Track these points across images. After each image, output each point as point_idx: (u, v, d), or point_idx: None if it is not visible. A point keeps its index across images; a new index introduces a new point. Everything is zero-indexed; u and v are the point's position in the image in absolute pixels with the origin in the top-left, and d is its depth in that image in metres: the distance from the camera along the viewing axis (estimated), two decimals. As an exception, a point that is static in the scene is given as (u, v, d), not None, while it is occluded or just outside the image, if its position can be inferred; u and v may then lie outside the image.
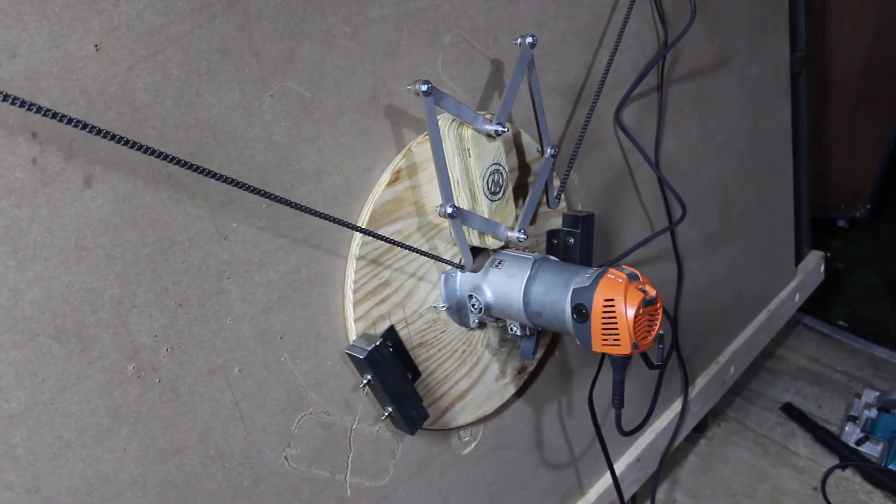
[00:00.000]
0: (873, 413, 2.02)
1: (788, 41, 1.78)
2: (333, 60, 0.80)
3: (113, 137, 0.59)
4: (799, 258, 2.18)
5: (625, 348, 0.81)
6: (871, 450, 1.95)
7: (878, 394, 2.10)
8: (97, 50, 0.63)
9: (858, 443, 1.98)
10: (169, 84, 0.68)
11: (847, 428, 2.03)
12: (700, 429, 2.09)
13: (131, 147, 0.60)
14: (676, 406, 1.69)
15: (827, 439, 2.00)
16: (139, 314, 0.70)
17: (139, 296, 0.69)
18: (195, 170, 0.65)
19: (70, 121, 0.56)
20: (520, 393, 1.20)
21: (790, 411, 2.13)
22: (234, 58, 0.72)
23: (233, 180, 0.67)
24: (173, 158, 0.63)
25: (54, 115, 0.55)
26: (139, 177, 0.67)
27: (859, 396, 2.13)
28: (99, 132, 0.58)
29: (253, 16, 0.72)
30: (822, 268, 2.27)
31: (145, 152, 0.61)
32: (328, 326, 0.86)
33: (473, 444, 1.11)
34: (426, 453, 1.03)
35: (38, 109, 0.55)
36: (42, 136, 0.61)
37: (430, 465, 1.05)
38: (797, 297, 2.15)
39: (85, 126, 0.57)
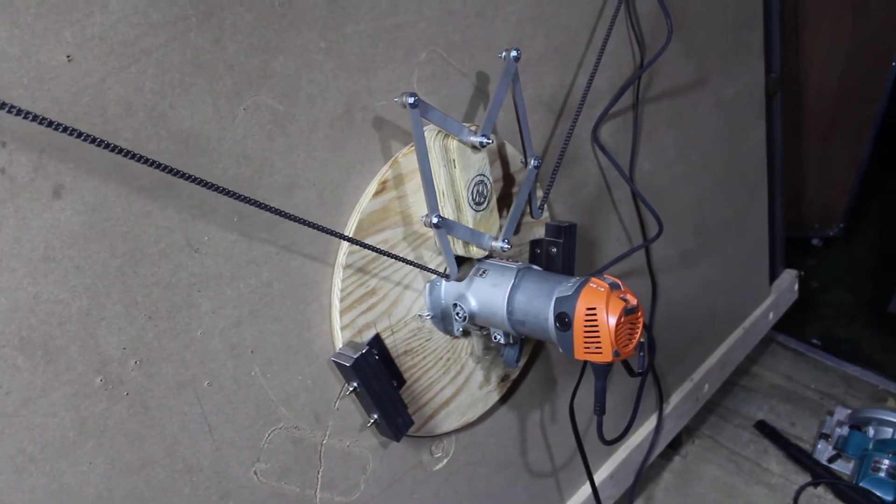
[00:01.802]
0: (845, 431, 2.04)
1: (763, 63, 1.81)
2: (308, 75, 0.80)
3: (87, 138, 0.59)
4: (773, 276, 2.20)
5: (606, 356, 0.83)
6: (843, 467, 1.97)
7: (849, 412, 2.12)
8: (69, 60, 0.62)
9: (830, 460, 1.99)
10: (141, 96, 0.67)
11: (819, 445, 2.05)
12: (674, 446, 2.09)
13: (106, 148, 0.60)
14: (651, 423, 1.70)
15: (799, 457, 2.01)
16: (107, 326, 0.69)
17: (108, 308, 0.69)
18: (175, 174, 0.65)
19: (44, 121, 0.56)
20: (503, 400, 1.20)
21: (763, 429, 2.14)
22: (207, 71, 0.72)
23: (225, 189, 0.67)
24: (147, 160, 0.63)
25: (27, 115, 0.55)
26: (109, 188, 0.67)
27: (831, 414, 2.15)
28: (73, 132, 0.58)
29: (228, 29, 0.72)
30: (796, 286, 2.30)
31: (119, 153, 0.61)
32: (299, 341, 0.86)
33: (445, 461, 1.11)
34: (397, 469, 1.03)
35: (11, 109, 0.54)
36: (11, 145, 0.60)
37: (401, 480, 1.04)
38: (771, 315, 2.17)
39: (58, 126, 0.57)
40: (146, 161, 0.62)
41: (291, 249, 0.83)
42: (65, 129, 0.57)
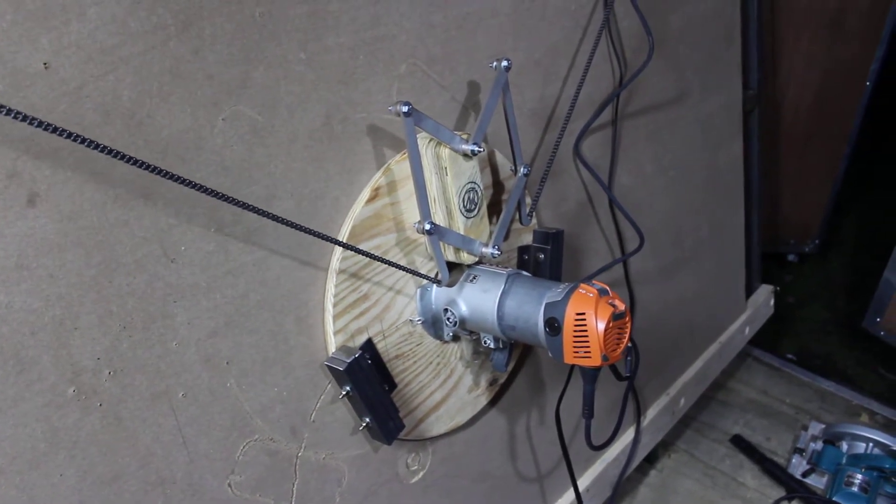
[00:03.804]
0: (819, 445, 2.05)
1: (741, 79, 1.83)
2: (287, 86, 0.80)
3: (69, 135, 0.58)
4: (749, 292, 2.22)
5: (595, 360, 0.84)
6: (817, 482, 1.99)
7: (823, 426, 2.14)
8: (46, 68, 0.62)
9: (804, 475, 2.01)
10: (119, 105, 0.67)
11: (794, 460, 2.06)
12: (650, 460, 2.10)
13: (89, 146, 0.59)
14: (628, 436, 1.70)
15: (774, 471, 2.02)
16: (81, 336, 0.69)
17: (82, 318, 0.68)
18: (159, 172, 0.65)
19: (26, 118, 0.55)
20: (492, 403, 1.21)
21: (739, 443, 2.15)
22: (186, 80, 0.71)
23: (216, 192, 0.67)
24: (131, 158, 0.62)
25: (9, 112, 0.54)
26: (85, 197, 0.66)
27: (806, 429, 2.17)
28: (55, 130, 0.57)
29: (207, 39, 0.72)
30: (772, 301, 2.31)
31: (103, 151, 0.61)
32: (276, 352, 0.86)
33: (422, 473, 1.10)
34: (373, 482, 1.02)
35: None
36: (-15, 153, 0.60)
37: (377, 493, 1.04)
38: (747, 330, 2.18)
39: (41, 123, 0.56)
40: (129, 159, 0.62)
41: (268, 261, 0.83)
42: (47, 127, 0.57)
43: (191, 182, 0.68)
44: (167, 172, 0.66)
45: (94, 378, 0.70)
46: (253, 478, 0.87)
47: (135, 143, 0.69)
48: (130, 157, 0.63)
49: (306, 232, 0.78)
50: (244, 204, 0.72)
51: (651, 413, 1.77)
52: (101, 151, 0.61)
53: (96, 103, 0.66)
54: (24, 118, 0.56)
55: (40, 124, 0.57)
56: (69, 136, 0.58)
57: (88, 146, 0.60)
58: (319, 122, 0.84)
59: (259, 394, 0.85)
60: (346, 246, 0.86)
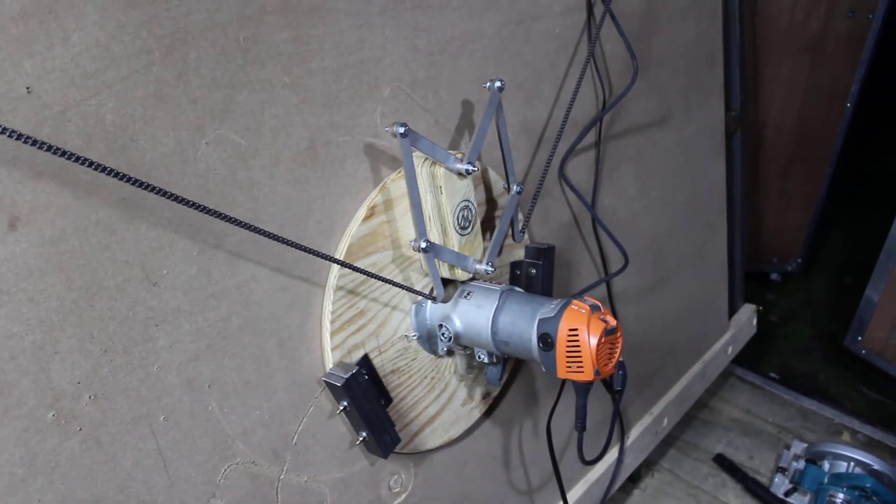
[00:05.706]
0: (801, 464, 2.06)
1: (723, 101, 1.84)
2: (271, 110, 0.80)
3: (56, 151, 0.58)
4: (732, 311, 2.23)
5: (588, 375, 0.86)
6: (799, 501, 1.99)
7: (806, 445, 2.15)
8: (29, 92, 0.62)
9: (787, 494, 2.01)
10: (102, 129, 0.67)
11: (776, 479, 2.07)
12: (634, 479, 2.10)
13: (76, 161, 0.59)
14: (611, 456, 1.70)
15: (757, 490, 2.03)
16: (61, 361, 0.68)
17: (62, 342, 0.68)
18: (146, 187, 0.65)
19: (12, 134, 0.55)
20: (485, 416, 1.22)
21: (722, 462, 2.16)
22: (170, 104, 0.71)
23: (211, 210, 0.67)
24: (119, 173, 0.62)
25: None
26: (67, 221, 0.66)
27: (788, 448, 2.18)
28: (42, 145, 0.57)
29: (191, 63, 0.72)
30: (755, 321, 2.33)
31: (90, 166, 0.61)
32: (257, 375, 0.86)
33: (403, 496, 1.10)
34: (355, 504, 1.02)
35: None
36: (-34, 178, 0.60)
37: (360, 516, 1.03)
38: (730, 349, 2.19)
39: (28, 140, 0.56)
40: (113, 172, 0.62)
41: (250, 284, 0.82)
42: (34, 143, 0.57)
43: (176, 196, 0.68)
44: (152, 187, 0.65)
45: (73, 402, 0.70)
46: (234, 501, 0.86)
47: (118, 166, 0.68)
48: (114, 171, 0.62)
49: (307, 251, 0.79)
50: (238, 221, 0.72)
51: (634, 433, 1.77)
52: (88, 166, 0.61)
53: (79, 127, 0.66)
54: (12, 134, 0.56)
55: (26, 139, 0.57)
56: (51, 150, 0.58)
57: (75, 161, 0.60)
58: (304, 146, 0.85)
59: (241, 417, 0.85)
60: (342, 263, 0.87)
